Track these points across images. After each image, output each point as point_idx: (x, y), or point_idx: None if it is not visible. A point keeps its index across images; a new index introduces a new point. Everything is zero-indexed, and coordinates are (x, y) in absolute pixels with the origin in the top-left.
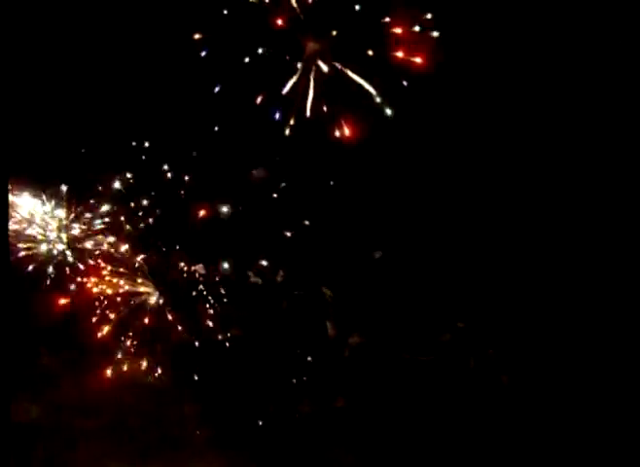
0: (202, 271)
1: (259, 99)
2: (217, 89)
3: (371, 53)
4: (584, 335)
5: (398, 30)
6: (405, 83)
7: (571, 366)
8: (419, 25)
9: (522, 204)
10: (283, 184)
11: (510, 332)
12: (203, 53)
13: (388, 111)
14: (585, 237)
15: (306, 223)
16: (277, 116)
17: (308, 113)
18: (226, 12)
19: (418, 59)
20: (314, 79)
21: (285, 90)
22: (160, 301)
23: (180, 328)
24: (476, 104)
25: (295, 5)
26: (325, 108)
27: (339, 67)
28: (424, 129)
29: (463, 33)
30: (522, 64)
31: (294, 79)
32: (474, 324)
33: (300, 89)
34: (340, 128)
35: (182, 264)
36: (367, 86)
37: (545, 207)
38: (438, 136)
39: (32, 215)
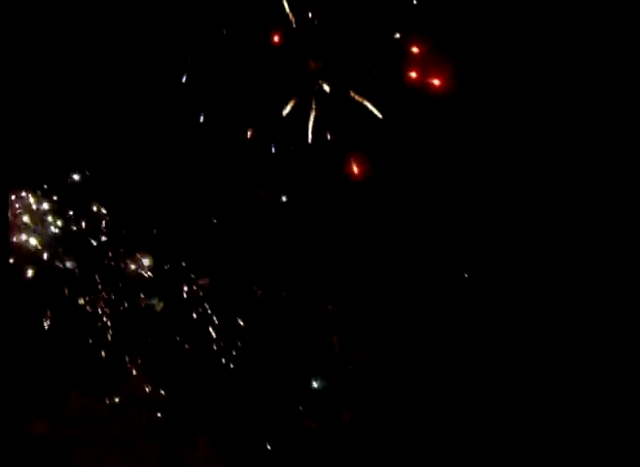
0: (206, 285)
1: (256, 122)
2: (203, 117)
3: (380, 72)
4: (592, 345)
5: (414, 49)
6: (419, 107)
7: (581, 377)
8: (437, 42)
9: (532, 229)
10: (284, 198)
11: (517, 344)
12: (184, 79)
13: (399, 137)
14: (593, 253)
15: (311, 238)
16: (274, 146)
17: (310, 139)
18: (216, 28)
19: (436, 81)
20: (316, 101)
21: (285, 113)
22: (165, 313)
23: (187, 345)
24: (497, 131)
25: (292, 17)
26: (329, 135)
27: (345, 89)
28: (437, 157)
29: (485, 50)
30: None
31: (293, 102)
32: (479, 337)
33: (300, 113)
34: (346, 156)
35: (192, 276)
36: (374, 110)
37: (555, 229)
38: (451, 164)
39: (20, 216)
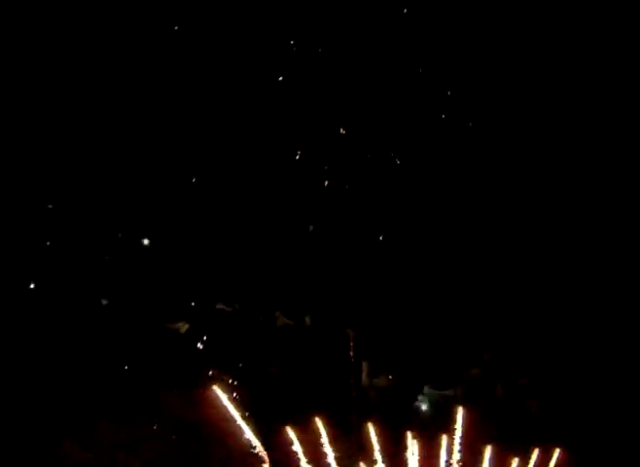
0: (230, 311)
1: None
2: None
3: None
4: (613, 358)
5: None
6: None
7: (602, 388)
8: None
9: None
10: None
11: (537, 358)
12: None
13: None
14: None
15: (334, 266)
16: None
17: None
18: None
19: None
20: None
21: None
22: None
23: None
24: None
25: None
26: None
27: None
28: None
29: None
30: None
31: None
32: (500, 355)
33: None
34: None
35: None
36: (394, 154)
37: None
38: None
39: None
